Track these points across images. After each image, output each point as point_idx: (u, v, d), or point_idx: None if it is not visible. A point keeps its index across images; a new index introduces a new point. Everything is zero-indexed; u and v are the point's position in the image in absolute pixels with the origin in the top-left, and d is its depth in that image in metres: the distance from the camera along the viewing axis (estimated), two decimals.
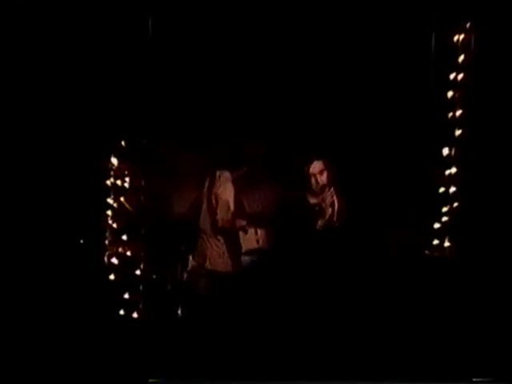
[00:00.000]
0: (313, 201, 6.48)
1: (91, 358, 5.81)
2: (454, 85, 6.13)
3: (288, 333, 5.95)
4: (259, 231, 6.51)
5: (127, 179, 6.24)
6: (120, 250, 6.19)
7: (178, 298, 6.31)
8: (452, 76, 6.13)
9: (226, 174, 6.50)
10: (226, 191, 6.50)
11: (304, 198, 6.46)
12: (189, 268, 6.42)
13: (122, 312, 6.11)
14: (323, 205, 6.41)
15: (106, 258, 6.15)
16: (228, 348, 5.91)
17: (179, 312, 6.27)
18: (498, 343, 5.82)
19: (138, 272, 6.21)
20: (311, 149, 6.38)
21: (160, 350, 5.93)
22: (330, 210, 6.40)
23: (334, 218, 6.39)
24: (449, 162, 6.13)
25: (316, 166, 6.45)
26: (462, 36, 6.11)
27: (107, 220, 6.17)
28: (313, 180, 6.44)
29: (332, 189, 6.41)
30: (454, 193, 6.12)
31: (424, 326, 5.92)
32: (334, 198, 6.39)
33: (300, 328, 5.97)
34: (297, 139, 6.34)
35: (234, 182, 6.50)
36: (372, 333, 5.91)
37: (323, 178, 6.43)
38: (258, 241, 6.50)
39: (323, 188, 6.43)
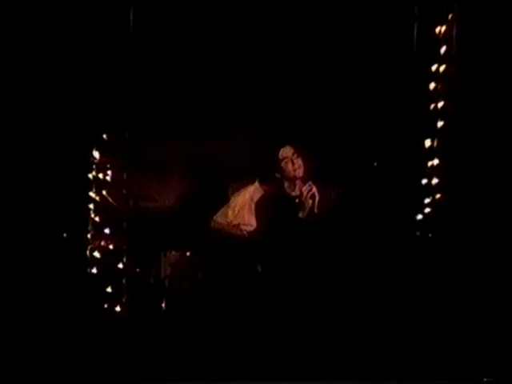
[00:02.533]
0: (292, 193, 6.47)
1: (72, 352, 5.81)
2: (436, 76, 6.10)
3: (274, 327, 5.94)
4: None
5: (109, 172, 6.23)
6: (102, 243, 6.18)
7: (162, 292, 6.32)
8: (434, 67, 6.11)
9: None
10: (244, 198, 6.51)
11: (283, 190, 6.46)
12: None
13: (104, 306, 6.10)
14: (302, 198, 6.41)
15: (88, 252, 6.14)
16: (212, 344, 5.91)
17: (163, 306, 6.27)
18: (487, 339, 5.80)
19: (120, 265, 6.21)
20: (287, 137, 6.39)
21: (143, 344, 5.93)
22: (310, 201, 6.39)
23: (315, 210, 6.38)
24: (431, 153, 6.11)
25: (288, 151, 6.42)
26: (443, 27, 6.08)
27: (89, 213, 6.16)
28: (289, 165, 6.42)
29: (310, 182, 6.40)
30: (437, 184, 6.10)
31: (408, 317, 5.92)
32: (314, 190, 6.38)
33: (286, 322, 5.96)
34: (278, 132, 6.37)
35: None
36: (356, 327, 5.92)
37: (299, 163, 6.41)
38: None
39: (303, 178, 6.42)
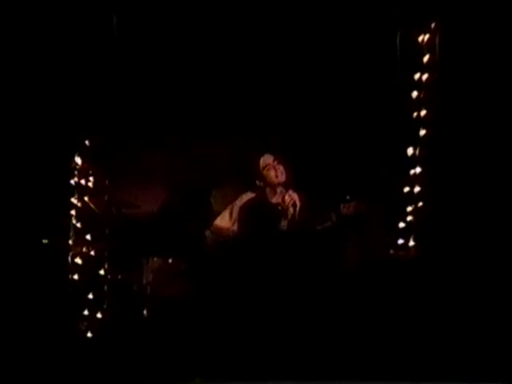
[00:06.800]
0: (274, 200, 6.48)
1: (53, 358, 5.80)
2: (418, 85, 6.12)
3: (255, 331, 5.96)
4: None
5: (91, 178, 6.22)
6: (84, 249, 6.16)
7: (144, 299, 6.30)
8: (417, 76, 6.12)
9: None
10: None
11: (265, 198, 6.47)
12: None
13: (86, 312, 6.08)
14: (283, 205, 6.41)
15: (69, 258, 6.11)
16: (193, 350, 5.90)
17: (145, 312, 6.25)
18: (494, 343, 5.83)
19: (102, 272, 6.19)
20: (267, 145, 6.40)
21: (124, 351, 5.93)
22: (291, 209, 6.41)
23: (296, 218, 6.39)
24: (413, 161, 6.13)
25: (269, 158, 6.44)
26: (426, 36, 6.10)
27: (71, 220, 6.13)
28: (272, 172, 6.43)
29: (290, 190, 6.42)
30: (419, 192, 6.12)
31: (388, 324, 5.95)
32: (296, 198, 6.40)
33: (268, 327, 5.97)
34: (259, 140, 6.37)
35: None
36: (335, 334, 5.93)
37: (281, 169, 6.42)
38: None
39: (285, 185, 6.43)
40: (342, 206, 6.24)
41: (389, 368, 5.71)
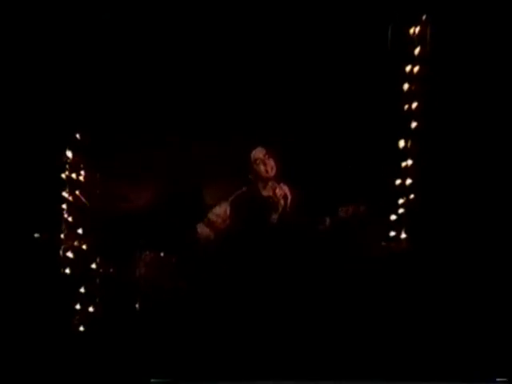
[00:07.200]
0: (265, 194, 6.49)
1: (45, 353, 5.81)
2: (409, 77, 6.13)
3: (247, 329, 5.97)
4: None
5: (82, 172, 6.22)
6: (76, 243, 6.16)
7: (136, 292, 6.30)
8: (408, 68, 6.13)
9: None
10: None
11: (257, 191, 6.47)
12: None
13: (78, 306, 6.08)
14: (274, 197, 6.43)
15: (61, 252, 6.12)
16: (185, 344, 5.91)
17: (137, 306, 6.26)
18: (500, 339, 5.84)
19: (94, 266, 6.19)
20: (258, 138, 6.40)
21: (117, 345, 5.93)
22: (282, 202, 6.42)
23: (287, 210, 6.40)
24: (405, 154, 6.14)
25: (260, 152, 6.45)
26: (417, 28, 6.10)
27: (62, 214, 6.14)
28: (261, 166, 6.44)
29: (281, 183, 6.43)
30: (410, 185, 6.13)
31: (386, 323, 5.96)
32: (286, 190, 6.41)
33: (260, 321, 5.98)
34: (250, 133, 6.37)
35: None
36: (329, 328, 5.94)
37: (272, 163, 6.43)
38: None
39: (276, 179, 6.44)
40: (340, 209, 6.27)
41: (388, 368, 5.73)
